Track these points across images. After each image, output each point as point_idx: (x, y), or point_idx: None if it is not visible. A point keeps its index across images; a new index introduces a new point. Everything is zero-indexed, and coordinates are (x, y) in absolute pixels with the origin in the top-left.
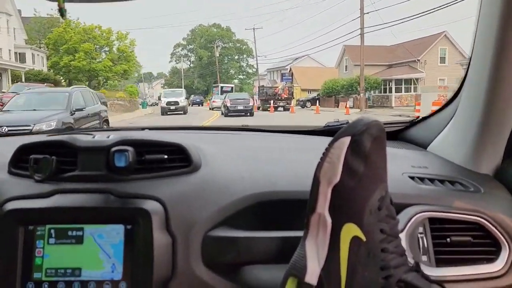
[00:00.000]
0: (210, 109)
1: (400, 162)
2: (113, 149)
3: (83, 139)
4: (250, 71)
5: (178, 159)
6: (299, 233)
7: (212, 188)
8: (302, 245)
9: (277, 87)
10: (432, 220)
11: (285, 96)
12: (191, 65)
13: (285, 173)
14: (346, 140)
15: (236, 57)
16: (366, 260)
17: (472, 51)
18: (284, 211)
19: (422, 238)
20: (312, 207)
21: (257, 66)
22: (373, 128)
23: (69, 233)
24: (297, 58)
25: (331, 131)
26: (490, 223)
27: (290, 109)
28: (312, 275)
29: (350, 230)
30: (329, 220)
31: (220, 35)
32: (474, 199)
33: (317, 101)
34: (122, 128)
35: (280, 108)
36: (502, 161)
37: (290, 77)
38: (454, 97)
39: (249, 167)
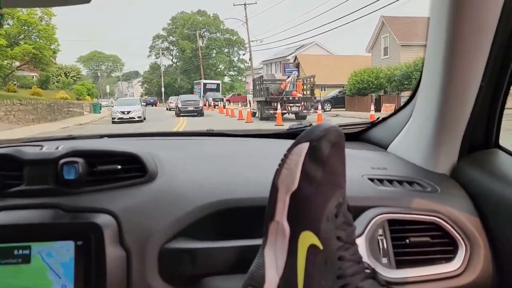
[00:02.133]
0: (167, 109)
1: (360, 164)
2: (62, 161)
3: (29, 151)
4: (242, 66)
5: (133, 169)
6: (260, 241)
7: (169, 198)
8: (260, 253)
9: (285, 80)
10: (391, 222)
11: (300, 95)
12: (173, 59)
13: (246, 180)
14: (305, 146)
15: (226, 50)
16: (323, 269)
17: (425, 53)
18: (245, 218)
19: (382, 240)
20: (271, 214)
21: (250, 54)
22: (331, 134)
23: (15, 252)
24: (301, 46)
25: (294, 134)
26: (447, 223)
27: (317, 117)
28: (271, 284)
29: (307, 238)
30: (287, 228)
31: (206, 23)
32: (431, 199)
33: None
34: (79, 136)
35: (291, 115)
36: (457, 161)
37: (297, 69)
38: (412, 98)
39: (208, 174)
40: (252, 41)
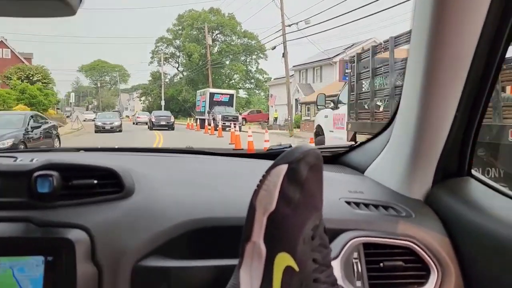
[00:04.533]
0: (133, 123)
1: (337, 187)
2: (36, 173)
3: (2, 162)
4: (260, 77)
5: (110, 184)
6: (236, 262)
7: (145, 215)
8: (235, 274)
9: None
10: (366, 245)
11: None
12: (179, 67)
13: (224, 199)
14: (283, 168)
15: (243, 58)
16: None
17: (404, 81)
18: (222, 238)
19: (356, 263)
20: (247, 235)
21: (284, 47)
22: (310, 156)
23: None
24: (353, 45)
25: (274, 155)
26: (420, 248)
27: None
28: None
29: (283, 260)
30: (263, 249)
31: (220, 24)
32: (405, 224)
33: None
34: (55, 149)
35: None
36: (431, 187)
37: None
38: (389, 124)
39: (186, 192)
40: (289, 25)
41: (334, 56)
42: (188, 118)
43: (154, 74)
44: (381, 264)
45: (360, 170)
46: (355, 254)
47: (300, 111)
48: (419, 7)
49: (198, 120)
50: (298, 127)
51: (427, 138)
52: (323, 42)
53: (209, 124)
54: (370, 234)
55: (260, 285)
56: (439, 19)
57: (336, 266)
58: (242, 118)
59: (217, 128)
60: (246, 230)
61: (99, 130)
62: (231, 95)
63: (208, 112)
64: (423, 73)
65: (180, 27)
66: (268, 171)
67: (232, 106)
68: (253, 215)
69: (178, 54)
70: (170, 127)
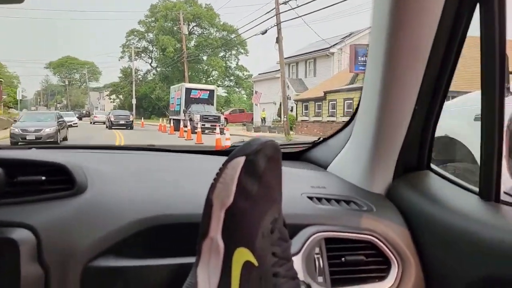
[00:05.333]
0: (91, 123)
1: (300, 182)
2: None
3: None
4: (241, 74)
5: (60, 181)
6: (194, 259)
7: (98, 213)
8: (193, 273)
9: None
10: (328, 240)
11: None
12: (152, 63)
13: (182, 195)
14: (241, 160)
15: (222, 53)
16: (258, 286)
17: (365, 76)
18: (179, 235)
19: (318, 258)
20: (205, 231)
21: (278, 30)
22: (268, 148)
23: None
24: (350, 34)
25: None
26: (381, 241)
27: None
28: None
29: (242, 255)
30: (221, 245)
31: (196, 15)
32: (367, 218)
33: None
34: (3, 146)
35: None
36: (392, 181)
37: None
38: (351, 120)
39: (143, 189)
40: (284, 3)
41: (331, 46)
42: (161, 119)
43: (125, 70)
44: (343, 259)
45: (323, 166)
46: (317, 249)
47: (296, 110)
48: (377, 4)
49: (172, 121)
50: (291, 129)
51: (387, 133)
52: (318, 26)
53: (186, 126)
54: (332, 229)
55: (218, 282)
56: (396, 14)
57: (298, 261)
58: (224, 118)
59: (196, 131)
60: (203, 226)
61: (15, 140)
62: (211, 91)
63: (184, 112)
64: (382, 68)
65: (152, 19)
66: (225, 164)
67: (212, 104)
68: (210, 210)
69: (151, 48)
70: (129, 126)
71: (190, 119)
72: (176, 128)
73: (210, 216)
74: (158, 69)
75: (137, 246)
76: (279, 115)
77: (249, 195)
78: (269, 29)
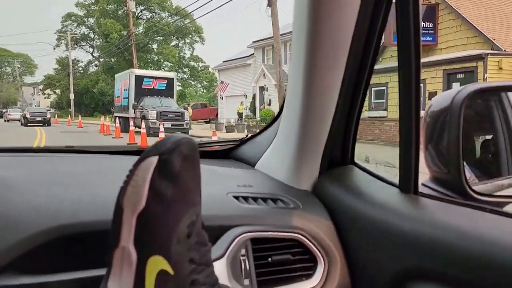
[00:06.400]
0: (5, 121)
1: (226, 182)
2: None
3: None
4: (196, 65)
5: None
6: (105, 272)
7: None
8: (103, 286)
9: None
10: (254, 241)
11: None
12: (93, 53)
13: (96, 201)
14: (153, 160)
15: (174, 42)
16: None
17: (289, 72)
18: (92, 245)
19: (244, 260)
20: (115, 240)
21: None
22: (183, 146)
23: None
24: None
25: None
26: (307, 239)
27: None
28: None
29: (156, 264)
30: (134, 253)
31: None
32: (293, 215)
33: None
34: None
35: None
36: (318, 177)
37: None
38: (278, 116)
39: (52, 196)
40: None
41: None
42: (103, 117)
43: (62, 61)
44: (270, 259)
45: (251, 163)
46: (243, 251)
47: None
48: (298, 2)
49: (118, 119)
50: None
51: (312, 129)
52: None
53: (137, 126)
54: (258, 228)
55: None
56: (316, 9)
57: (222, 265)
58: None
59: (155, 133)
60: (114, 234)
61: None
62: (170, 80)
63: (135, 107)
64: (304, 64)
65: (92, 1)
66: (136, 165)
67: (172, 97)
68: (121, 216)
69: (92, 36)
70: (46, 122)
71: (143, 117)
72: (124, 129)
73: (121, 223)
74: (101, 59)
75: (43, 260)
76: (252, 110)
77: (163, 198)
78: None
